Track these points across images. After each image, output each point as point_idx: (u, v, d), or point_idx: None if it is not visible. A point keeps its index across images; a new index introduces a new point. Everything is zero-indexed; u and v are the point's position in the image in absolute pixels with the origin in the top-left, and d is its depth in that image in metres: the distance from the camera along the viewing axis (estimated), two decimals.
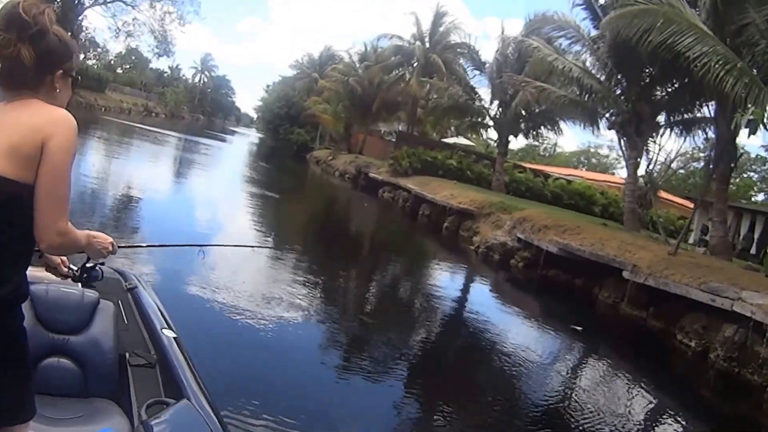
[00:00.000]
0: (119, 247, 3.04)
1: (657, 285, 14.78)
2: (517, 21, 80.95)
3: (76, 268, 3.31)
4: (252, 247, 9.49)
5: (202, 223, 16.37)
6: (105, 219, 13.76)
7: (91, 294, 3.48)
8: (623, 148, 24.06)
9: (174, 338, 3.73)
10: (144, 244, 5.95)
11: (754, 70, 16.46)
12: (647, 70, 21.67)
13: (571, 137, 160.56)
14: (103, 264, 3.34)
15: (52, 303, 3.32)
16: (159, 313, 4.09)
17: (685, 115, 23.13)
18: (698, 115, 22.88)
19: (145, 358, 3.55)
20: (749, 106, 14.62)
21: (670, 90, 22.30)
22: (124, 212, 15.42)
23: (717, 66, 15.63)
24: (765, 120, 5.78)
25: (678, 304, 14.26)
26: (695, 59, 16.02)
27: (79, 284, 3.36)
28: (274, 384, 6.71)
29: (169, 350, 3.57)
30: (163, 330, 3.81)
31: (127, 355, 3.53)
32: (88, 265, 3.24)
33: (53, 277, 3.34)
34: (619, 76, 22.98)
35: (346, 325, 9.64)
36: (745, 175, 60.87)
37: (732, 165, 19.98)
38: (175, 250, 10.02)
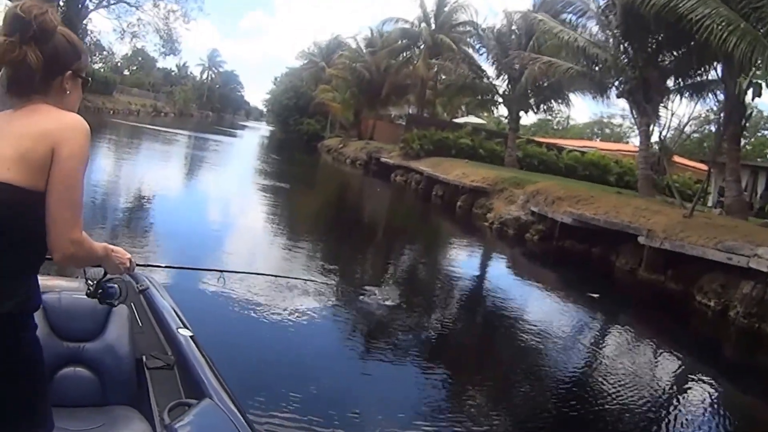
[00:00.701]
0: (137, 264, 2.96)
1: (673, 248, 14.85)
2: None
3: (92, 283, 3.14)
4: (279, 277, 9.25)
5: (214, 225, 16.32)
6: (116, 225, 13.70)
7: None
8: (634, 116, 24.11)
9: (191, 337, 3.66)
10: (164, 265, 5.58)
11: (760, 30, 16.40)
12: (654, 37, 21.64)
13: (583, 109, 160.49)
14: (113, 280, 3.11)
15: (64, 311, 3.28)
16: (173, 313, 4.01)
17: (694, 79, 23.08)
18: (707, 77, 22.78)
19: (162, 359, 3.50)
20: (755, 64, 14.65)
21: (676, 55, 22.23)
22: (136, 218, 15.22)
23: (720, 27, 15.62)
24: None
25: (695, 265, 14.34)
26: (698, 21, 16.01)
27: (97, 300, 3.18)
28: (295, 374, 6.63)
29: (186, 350, 3.50)
30: (179, 330, 3.74)
31: (144, 358, 3.48)
32: (104, 280, 3.00)
33: (64, 284, 3.29)
34: (626, 44, 22.94)
35: (368, 307, 9.64)
36: (759, 134, 60.47)
37: (742, 124, 19.93)
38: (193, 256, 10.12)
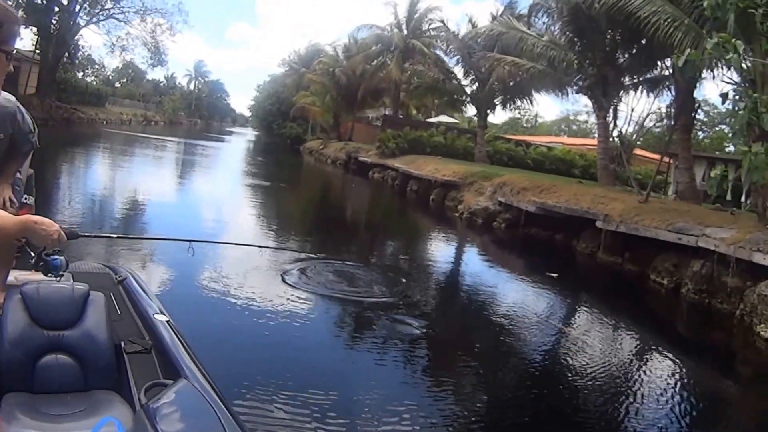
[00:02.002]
0: (82, 235, 2.89)
1: (628, 231, 15.06)
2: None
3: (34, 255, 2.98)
4: (252, 246, 8.92)
5: (206, 217, 16.53)
6: (116, 218, 13.95)
7: (80, 287, 3.41)
8: (594, 110, 24.34)
9: (167, 322, 3.65)
10: (112, 234, 4.88)
11: (704, 31, 16.60)
12: (608, 37, 21.86)
13: (551, 107, 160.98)
14: (59, 252, 2.93)
15: (43, 300, 3.25)
16: (150, 301, 4.02)
17: (646, 75, 23.33)
18: (662, 74, 23.01)
19: (140, 344, 3.47)
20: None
21: (630, 53, 22.46)
22: (133, 211, 15.50)
23: (666, 23, 15.85)
24: (701, 59, 5.96)
25: (650, 247, 14.57)
26: (646, 18, 16.21)
27: (41, 274, 3.00)
28: (273, 359, 6.58)
29: (163, 334, 3.50)
30: (156, 315, 3.73)
31: (123, 343, 3.44)
32: (45, 252, 2.84)
33: (42, 276, 3.13)
34: (584, 41, 23.09)
35: (345, 293, 9.63)
36: (717, 129, 60.96)
37: (692, 115, 20.22)
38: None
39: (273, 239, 14.25)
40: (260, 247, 9.27)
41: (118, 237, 4.19)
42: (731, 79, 13.74)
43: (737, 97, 4.97)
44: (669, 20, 15.82)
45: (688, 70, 5.07)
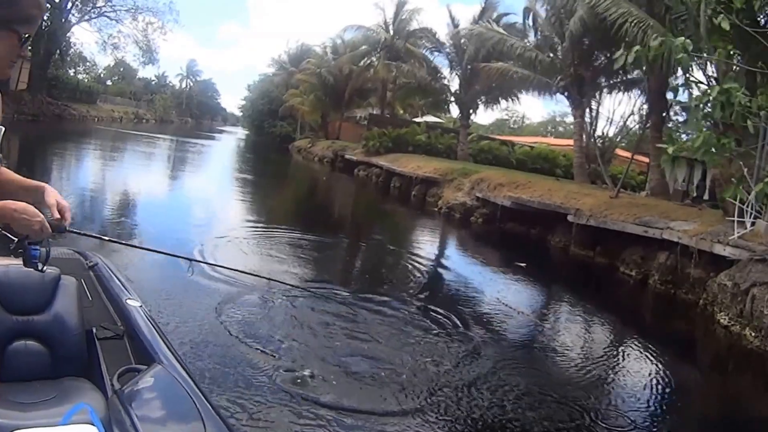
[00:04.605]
0: (70, 231, 2.79)
1: (597, 224, 15.35)
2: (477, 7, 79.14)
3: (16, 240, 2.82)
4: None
5: (197, 208, 16.86)
6: (114, 206, 14.42)
7: (51, 271, 3.20)
8: (571, 109, 24.66)
9: (139, 307, 3.57)
10: (104, 236, 4.43)
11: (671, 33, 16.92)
12: (586, 40, 22.16)
13: (539, 109, 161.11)
14: (40, 243, 2.73)
15: (11, 285, 3.12)
16: (122, 286, 3.91)
17: (624, 77, 23.64)
18: (640, 76, 23.31)
19: (112, 330, 3.38)
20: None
21: (608, 55, 22.73)
22: (125, 206, 15.58)
23: (633, 25, 16.18)
24: (649, 55, 6.18)
25: (619, 240, 14.86)
26: (615, 20, 16.54)
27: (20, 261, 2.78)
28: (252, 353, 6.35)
29: (135, 319, 3.42)
30: (128, 300, 3.64)
31: (95, 329, 3.34)
32: (28, 241, 2.64)
33: (11, 261, 3.08)
34: (564, 44, 23.37)
35: (328, 285, 9.69)
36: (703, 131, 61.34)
37: (663, 115, 20.54)
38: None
39: (258, 226, 14.41)
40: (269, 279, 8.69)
41: (110, 240, 3.96)
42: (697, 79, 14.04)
43: (686, 91, 5.18)
44: (635, 23, 16.17)
45: (638, 64, 5.29)
